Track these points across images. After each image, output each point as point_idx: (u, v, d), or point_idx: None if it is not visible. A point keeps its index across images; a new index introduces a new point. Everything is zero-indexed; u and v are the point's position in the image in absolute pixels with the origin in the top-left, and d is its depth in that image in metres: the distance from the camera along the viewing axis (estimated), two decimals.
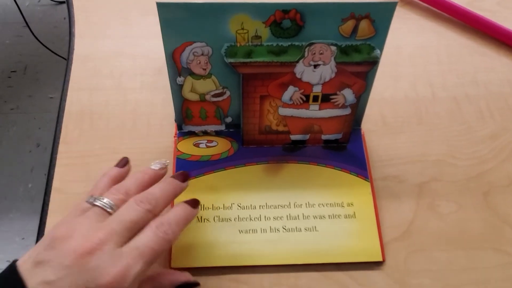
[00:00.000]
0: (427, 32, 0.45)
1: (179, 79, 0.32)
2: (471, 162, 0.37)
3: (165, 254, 0.31)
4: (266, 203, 0.33)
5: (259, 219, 0.32)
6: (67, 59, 0.43)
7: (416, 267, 0.32)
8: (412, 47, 0.43)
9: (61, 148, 0.37)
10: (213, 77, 0.31)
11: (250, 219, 0.32)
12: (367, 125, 0.38)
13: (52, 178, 0.35)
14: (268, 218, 0.32)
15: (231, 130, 0.36)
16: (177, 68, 0.31)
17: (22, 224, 0.89)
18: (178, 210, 0.27)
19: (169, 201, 0.28)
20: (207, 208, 0.33)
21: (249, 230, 0.32)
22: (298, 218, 0.32)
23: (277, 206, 0.33)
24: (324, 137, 0.36)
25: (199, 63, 0.30)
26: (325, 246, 0.31)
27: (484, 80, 0.41)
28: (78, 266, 0.23)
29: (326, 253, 0.31)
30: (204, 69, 0.31)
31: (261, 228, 0.32)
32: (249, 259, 0.31)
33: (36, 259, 0.24)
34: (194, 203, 0.28)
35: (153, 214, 0.26)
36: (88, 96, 0.40)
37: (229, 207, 0.33)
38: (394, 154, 0.37)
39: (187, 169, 0.34)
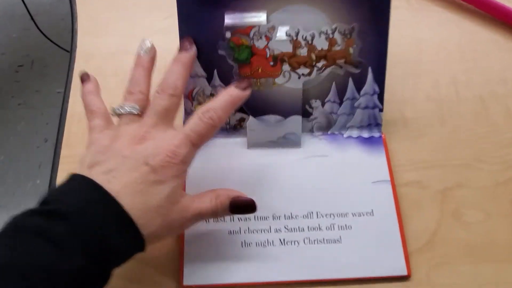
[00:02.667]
0: (450, 26, 0.42)
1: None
2: (499, 167, 0.34)
3: (176, 272, 0.30)
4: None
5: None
6: (70, 58, 0.41)
7: (439, 280, 0.30)
8: (434, 43, 0.41)
9: (64, 151, 0.35)
10: None
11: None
12: (387, 127, 0.36)
13: (55, 182, 0.34)
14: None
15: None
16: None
17: None
18: (225, 95, 0.28)
19: (229, 113, 0.28)
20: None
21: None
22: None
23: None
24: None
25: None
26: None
27: None
28: (133, 152, 0.26)
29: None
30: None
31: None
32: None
33: (91, 163, 0.26)
34: (244, 86, 0.28)
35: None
36: None
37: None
38: (415, 158, 0.35)
39: None
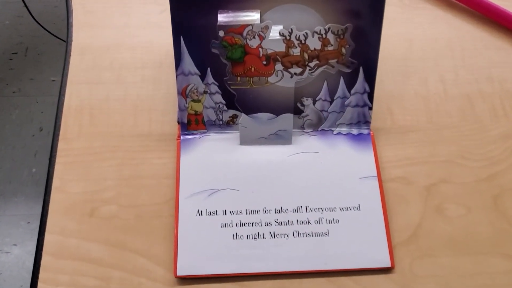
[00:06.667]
0: (440, 24, 0.43)
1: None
2: (482, 164, 0.36)
3: (170, 263, 0.31)
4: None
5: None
6: (65, 51, 0.41)
7: (422, 272, 0.32)
8: (423, 40, 0.42)
9: (61, 145, 0.36)
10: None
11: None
12: (375, 124, 0.37)
13: (52, 176, 0.35)
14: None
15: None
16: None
17: (27, 208, 0.90)
18: None
19: None
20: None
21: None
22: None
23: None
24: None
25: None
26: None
27: (499, 76, 0.40)
28: None
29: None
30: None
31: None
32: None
33: None
34: None
35: None
36: (87, 90, 0.39)
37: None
38: (402, 154, 0.36)
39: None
